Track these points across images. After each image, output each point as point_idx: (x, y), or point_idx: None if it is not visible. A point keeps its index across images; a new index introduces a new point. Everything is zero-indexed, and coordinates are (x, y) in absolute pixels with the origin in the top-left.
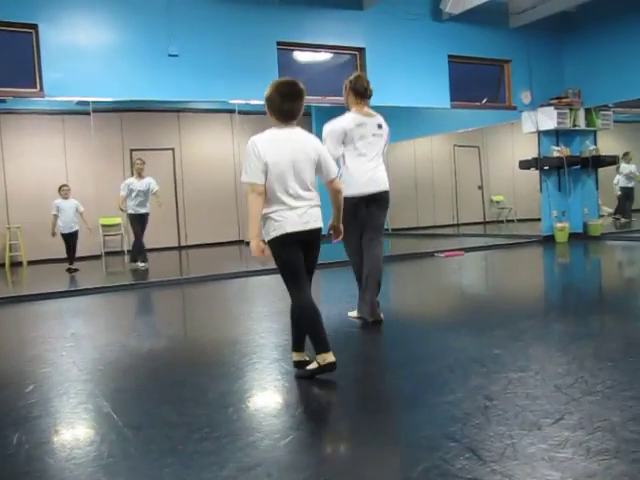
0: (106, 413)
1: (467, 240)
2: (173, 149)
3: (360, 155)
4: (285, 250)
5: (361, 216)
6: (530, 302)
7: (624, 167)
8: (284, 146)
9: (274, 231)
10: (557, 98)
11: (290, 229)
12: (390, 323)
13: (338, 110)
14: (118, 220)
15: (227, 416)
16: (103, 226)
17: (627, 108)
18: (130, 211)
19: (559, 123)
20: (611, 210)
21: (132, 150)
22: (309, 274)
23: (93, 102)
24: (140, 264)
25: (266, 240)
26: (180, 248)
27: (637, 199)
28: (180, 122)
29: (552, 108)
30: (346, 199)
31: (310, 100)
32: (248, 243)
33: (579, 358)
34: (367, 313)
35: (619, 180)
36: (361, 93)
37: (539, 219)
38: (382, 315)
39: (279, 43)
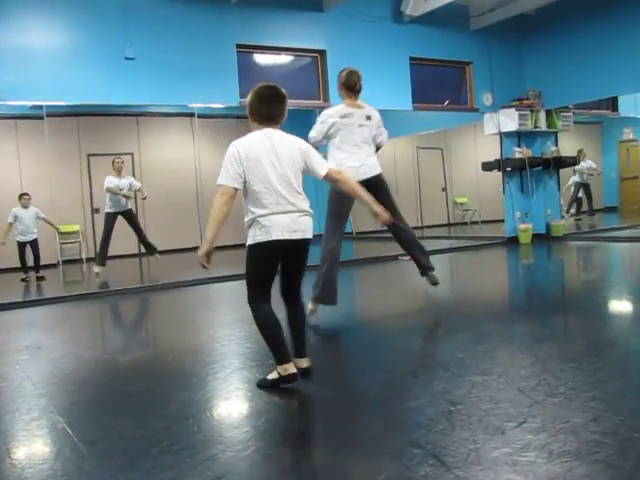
0: (61, 429)
1: (431, 242)
2: (132, 154)
3: (346, 144)
4: (263, 260)
5: (348, 207)
6: (494, 304)
7: (582, 165)
8: (266, 149)
9: (260, 236)
10: (518, 100)
11: (276, 236)
12: (353, 328)
13: (301, 114)
14: (76, 227)
15: (187, 428)
16: (60, 233)
17: (586, 109)
18: (110, 210)
19: (520, 124)
20: (573, 211)
21: (89, 155)
22: (295, 287)
23: (47, 106)
24: (99, 268)
25: (248, 243)
26: (141, 255)
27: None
28: (139, 126)
29: (513, 110)
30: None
31: None
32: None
33: (542, 360)
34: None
35: (576, 178)
36: (351, 87)
37: (503, 220)
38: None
39: (239, 45)
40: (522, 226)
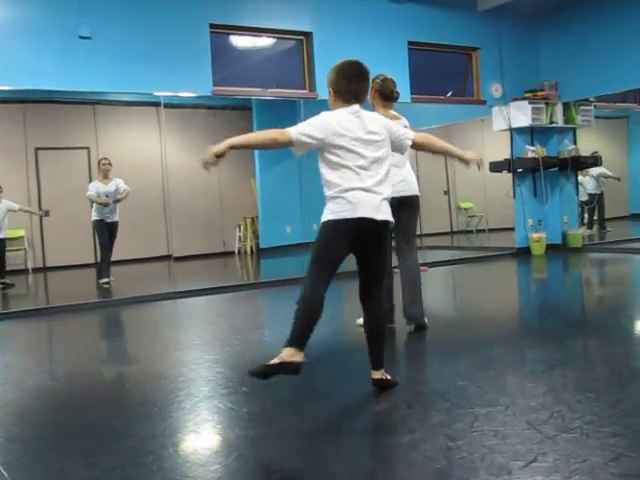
0: None
1: (431, 253)
2: (88, 148)
3: None
4: (338, 239)
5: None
6: (502, 325)
7: (592, 171)
8: (355, 125)
9: (344, 212)
10: (531, 91)
11: (361, 214)
12: (340, 350)
13: (282, 104)
14: (21, 232)
15: (146, 467)
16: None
17: (610, 103)
18: (95, 217)
19: (534, 119)
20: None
21: (38, 149)
22: (377, 281)
23: None
24: (104, 279)
25: (327, 219)
26: (96, 265)
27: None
28: (96, 117)
29: (526, 102)
30: None
31: (250, 92)
32: (176, 259)
33: (555, 389)
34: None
35: (586, 184)
36: (387, 96)
37: (513, 229)
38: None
39: (212, 25)
40: (535, 235)
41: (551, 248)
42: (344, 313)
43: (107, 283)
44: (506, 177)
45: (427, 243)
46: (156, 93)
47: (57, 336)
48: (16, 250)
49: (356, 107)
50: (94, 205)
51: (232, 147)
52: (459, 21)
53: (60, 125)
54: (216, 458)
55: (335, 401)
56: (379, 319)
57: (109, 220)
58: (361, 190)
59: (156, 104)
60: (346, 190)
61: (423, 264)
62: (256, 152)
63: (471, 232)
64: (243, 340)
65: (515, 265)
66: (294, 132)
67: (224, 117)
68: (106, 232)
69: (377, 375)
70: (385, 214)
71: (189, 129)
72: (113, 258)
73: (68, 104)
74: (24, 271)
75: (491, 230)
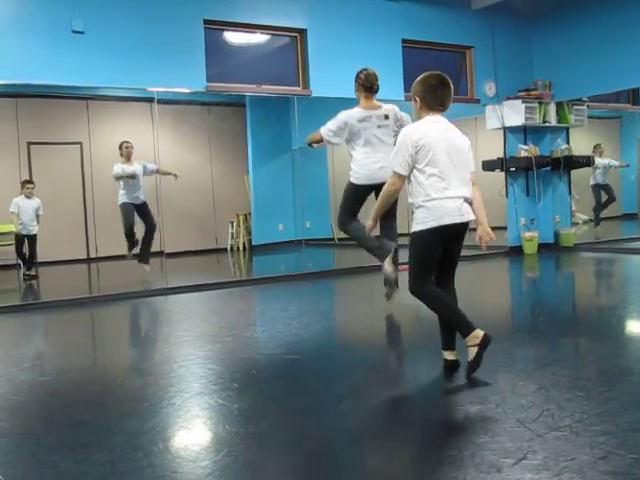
0: None
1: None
2: (81, 143)
3: (366, 146)
4: (432, 244)
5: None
6: (492, 323)
7: (598, 162)
8: (440, 134)
9: (432, 221)
10: (525, 90)
11: (447, 221)
12: (331, 348)
13: (275, 101)
14: (11, 227)
15: (135, 462)
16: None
17: (603, 102)
18: (123, 200)
19: (527, 119)
20: (586, 217)
21: (30, 143)
22: (453, 267)
23: None
24: (146, 267)
25: (417, 229)
26: (89, 260)
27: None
28: (89, 112)
29: (519, 102)
30: (355, 185)
31: (243, 89)
32: (168, 255)
33: (546, 388)
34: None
35: (596, 177)
36: (368, 88)
37: (505, 228)
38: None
39: (207, 22)
40: (527, 234)
41: (543, 247)
42: (335, 310)
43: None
44: (498, 176)
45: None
46: (149, 89)
47: (47, 331)
48: (8, 245)
49: (438, 116)
50: (121, 189)
51: (376, 221)
52: (453, 19)
53: (53, 120)
54: (206, 454)
55: (325, 398)
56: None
57: (137, 202)
58: None
59: (149, 100)
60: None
61: (403, 263)
62: (249, 148)
63: None
64: (235, 337)
65: (507, 264)
66: (399, 169)
67: (218, 113)
68: (133, 214)
69: (450, 356)
70: None
71: (182, 125)
72: (106, 253)
73: (61, 99)
74: (14, 266)
75: None
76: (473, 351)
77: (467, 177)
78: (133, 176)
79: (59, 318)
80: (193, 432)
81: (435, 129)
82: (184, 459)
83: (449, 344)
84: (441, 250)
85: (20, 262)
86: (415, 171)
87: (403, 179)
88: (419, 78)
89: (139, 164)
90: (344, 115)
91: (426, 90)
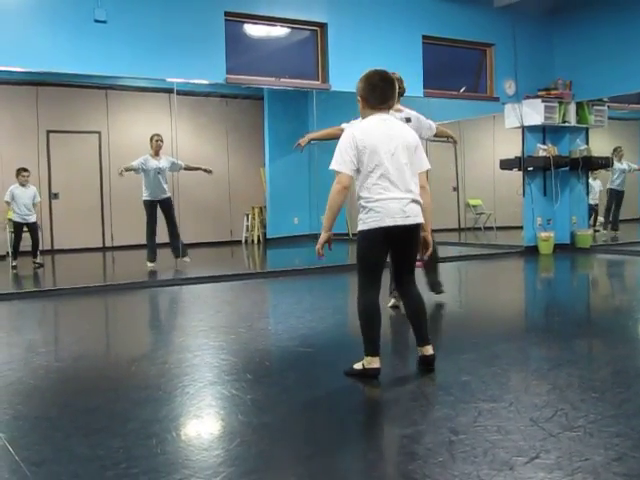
0: (0, 446)
1: (438, 249)
2: (99, 132)
3: None
4: (374, 246)
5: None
6: (507, 322)
7: (617, 166)
8: (383, 134)
9: (373, 222)
10: (545, 89)
11: (389, 222)
12: (345, 342)
13: (294, 95)
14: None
15: (149, 449)
16: (11, 220)
17: (624, 104)
18: (146, 197)
19: (546, 118)
20: (602, 219)
21: (49, 131)
22: (409, 272)
23: (2, 72)
24: (185, 258)
25: (359, 229)
26: (104, 249)
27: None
28: (109, 101)
29: (539, 101)
30: None
31: (262, 82)
32: (184, 245)
33: (560, 388)
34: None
35: (613, 181)
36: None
37: (521, 227)
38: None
39: (227, 14)
40: (543, 234)
41: (559, 248)
42: (349, 305)
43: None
44: (515, 175)
45: (434, 239)
46: (169, 79)
47: (63, 318)
48: (25, 232)
49: (383, 115)
50: (144, 185)
51: (329, 231)
52: (475, 17)
53: (72, 108)
54: (219, 443)
55: (338, 391)
56: (417, 299)
57: (160, 198)
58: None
59: (168, 90)
60: None
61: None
62: (266, 141)
63: (479, 229)
64: (248, 328)
65: (522, 263)
66: (342, 168)
67: (236, 106)
68: (156, 212)
69: (429, 351)
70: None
71: (201, 117)
72: (122, 242)
73: (81, 88)
74: (29, 253)
75: (499, 228)
76: (359, 366)
77: (415, 178)
78: (158, 171)
79: (75, 305)
80: (206, 421)
81: (379, 129)
82: (197, 447)
83: (420, 340)
84: (387, 252)
85: (12, 252)
86: (359, 171)
87: (349, 178)
88: (362, 76)
89: (166, 160)
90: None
91: (367, 89)
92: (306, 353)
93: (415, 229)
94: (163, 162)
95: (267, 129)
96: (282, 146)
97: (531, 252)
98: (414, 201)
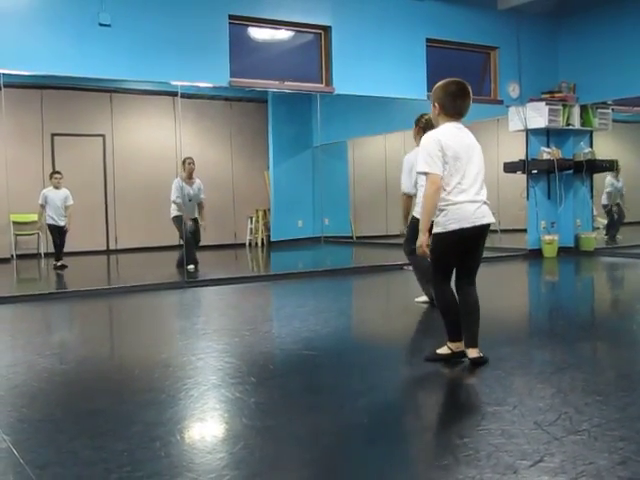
0: (4, 449)
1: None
2: (103, 136)
3: None
4: (450, 248)
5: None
6: (511, 326)
7: (613, 183)
8: (461, 140)
9: (452, 224)
10: (549, 92)
11: (466, 224)
12: (349, 345)
13: (298, 98)
14: (34, 217)
15: (153, 452)
16: (15, 224)
17: (628, 107)
18: (175, 214)
19: (550, 121)
20: (606, 221)
21: (54, 135)
22: (473, 272)
23: (5, 75)
24: (190, 266)
25: (437, 231)
26: (109, 252)
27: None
28: (113, 104)
29: (543, 104)
30: None
31: (266, 85)
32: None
33: (564, 391)
34: None
35: (610, 195)
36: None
37: (525, 230)
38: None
39: (232, 17)
40: (547, 237)
41: (563, 251)
42: (353, 308)
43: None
44: (519, 178)
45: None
46: (173, 82)
47: (68, 321)
48: (29, 234)
49: (458, 124)
50: (173, 204)
51: (427, 232)
52: (478, 20)
53: (77, 112)
54: (223, 446)
55: (342, 394)
56: (475, 300)
57: (190, 217)
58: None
59: (173, 94)
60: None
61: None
62: (270, 144)
63: None
64: (252, 331)
65: (526, 267)
66: (434, 170)
67: (240, 109)
68: (186, 226)
69: (474, 354)
70: None
71: (205, 120)
72: (126, 245)
73: (85, 91)
74: (36, 255)
75: (503, 231)
76: (445, 350)
77: (484, 183)
78: (190, 199)
79: (79, 308)
80: (210, 424)
81: (458, 136)
82: (201, 450)
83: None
84: (462, 251)
85: (55, 252)
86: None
87: (441, 178)
88: (441, 84)
89: (197, 185)
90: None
91: (446, 97)
92: (310, 356)
93: (486, 229)
94: (195, 188)
95: (271, 132)
96: (286, 149)
97: (535, 255)
98: (485, 203)
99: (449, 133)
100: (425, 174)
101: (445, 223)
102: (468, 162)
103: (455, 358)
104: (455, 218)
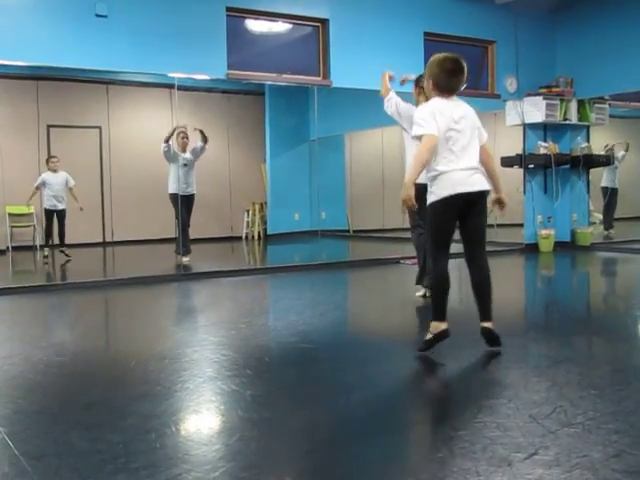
0: (0, 439)
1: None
2: (100, 127)
3: None
4: (444, 215)
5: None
6: (507, 319)
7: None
8: (452, 112)
9: (444, 190)
10: (546, 87)
11: (460, 189)
12: (344, 339)
13: (295, 91)
14: (30, 209)
15: (148, 444)
16: (10, 215)
17: (625, 102)
18: (171, 191)
19: (548, 116)
20: (601, 217)
21: (50, 126)
22: (480, 245)
23: (1, 65)
24: (185, 258)
25: (431, 200)
26: (104, 244)
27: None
28: (109, 96)
29: (540, 98)
30: None
31: (264, 77)
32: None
33: (559, 385)
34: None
35: (608, 177)
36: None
37: (521, 225)
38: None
39: (229, 9)
40: (543, 232)
41: (559, 246)
42: (349, 301)
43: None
44: (516, 172)
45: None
46: (170, 74)
47: (63, 313)
48: (25, 227)
49: (452, 97)
50: (170, 177)
51: (413, 184)
52: (476, 13)
53: (73, 103)
54: (218, 438)
55: (338, 387)
56: (485, 273)
57: (185, 193)
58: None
59: (169, 86)
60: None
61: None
62: (267, 137)
63: None
64: (248, 324)
65: (522, 261)
66: (430, 130)
67: (237, 101)
68: (183, 206)
69: (487, 324)
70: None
71: (201, 112)
72: (122, 238)
73: (81, 82)
74: (31, 247)
75: (499, 225)
76: (427, 335)
77: (477, 154)
78: (185, 163)
79: (75, 300)
80: (206, 416)
81: (450, 107)
82: (196, 442)
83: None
84: (455, 222)
85: (45, 242)
86: None
87: (436, 138)
88: (436, 60)
89: (191, 154)
90: None
91: (441, 74)
92: (306, 349)
93: (482, 197)
94: (188, 156)
95: (268, 125)
96: (283, 142)
97: (531, 250)
98: (478, 172)
99: (441, 104)
100: (420, 137)
101: (438, 191)
102: (460, 132)
103: (436, 341)
104: (448, 185)
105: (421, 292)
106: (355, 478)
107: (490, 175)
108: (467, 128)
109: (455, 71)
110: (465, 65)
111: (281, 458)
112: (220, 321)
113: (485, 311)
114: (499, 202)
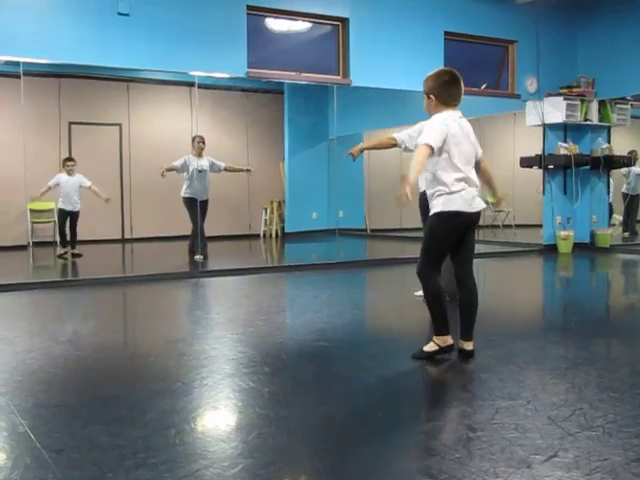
0: (21, 433)
1: None
2: (120, 125)
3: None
4: (449, 229)
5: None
6: (525, 320)
7: (632, 169)
8: (460, 127)
9: (453, 205)
10: (567, 87)
11: (466, 208)
12: (361, 338)
13: (314, 90)
14: (51, 205)
15: (167, 439)
16: (32, 211)
17: None
18: (186, 195)
19: (568, 116)
20: (621, 218)
21: (71, 123)
22: (470, 262)
23: (25, 63)
24: (197, 256)
25: (436, 210)
26: (124, 241)
27: None
28: (130, 94)
29: (561, 98)
30: None
31: (283, 76)
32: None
33: (578, 387)
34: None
35: (629, 183)
36: None
37: (540, 225)
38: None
39: (249, 7)
40: (562, 233)
41: (578, 247)
42: (367, 300)
43: (200, 258)
44: (535, 173)
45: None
46: (190, 73)
47: (83, 308)
48: (45, 222)
49: (456, 111)
50: (185, 182)
51: (412, 184)
52: (497, 13)
53: (94, 101)
54: (236, 435)
55: (355, 386)
56: (473, 292)
57: (200, 199)
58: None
59: (190, 84)
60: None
61: None
62: (286, 136)
63: (497, 227)
64: (266, 321)
65: (541, 262)
66: (431, 142)
67: (256, 100)
68: (197, 210)
69: (469, 346)
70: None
71: (221, 110)
72: (141, 234)
73: (103, 80)
74: (52, 243)
75: (518, 226)
76: (432, 346)
77: (473, 167)
78: (200, 170)
79: (94, 296)
80: (224, 413)
81: (457, 122)
82: (215, 438)
83: (464, 333)
84: (458, 236)
85: (60, 240)
86: (440, 154)
87: (431, 151)
88: (431, 75)
89: (208, 160)
90: None
91: (440, 87)
92: (323, 347)
93: (479, 217)
94: (204, 162)
95: (287, 123)
96: (302, 141)
97: (550, 251)
98: (476, 191)
99: (450, 118)
100: (421, 145)
101: (445, 204)
102: (466, 149)
103: (442, 353)
104: (455, 202)
105: (419, 292)
106: (371, 477)
107: (488, 181)
108: (472, 146)
109: (452, 80)
110: (460, 75)
111: (298, 456)
112: (238, 318)
113: (468, 329)
114: (501, 199)
